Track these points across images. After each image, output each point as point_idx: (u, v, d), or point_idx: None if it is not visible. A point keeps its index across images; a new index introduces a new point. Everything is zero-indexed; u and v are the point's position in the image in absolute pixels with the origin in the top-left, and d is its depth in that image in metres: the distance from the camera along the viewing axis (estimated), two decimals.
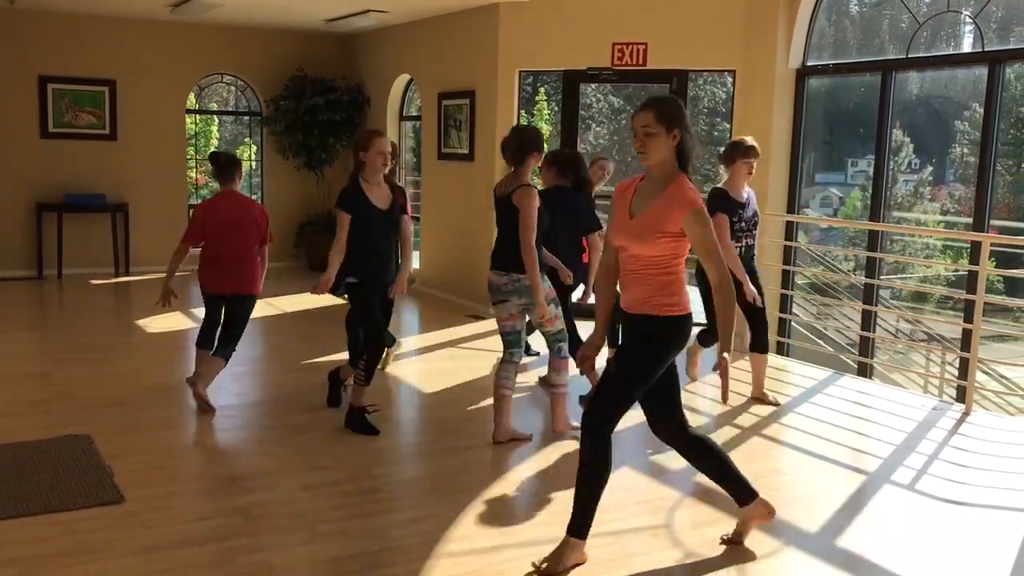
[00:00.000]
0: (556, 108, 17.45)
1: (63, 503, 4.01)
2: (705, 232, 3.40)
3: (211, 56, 11.25)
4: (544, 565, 3.51)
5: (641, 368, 3.48)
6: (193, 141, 12.99)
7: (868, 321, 7.61)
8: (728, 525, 3.94)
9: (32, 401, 5.61)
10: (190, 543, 3.68)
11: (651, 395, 3.62)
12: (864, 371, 7.49)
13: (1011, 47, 8.01)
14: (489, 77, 8.96)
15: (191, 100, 11.70)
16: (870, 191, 7.59)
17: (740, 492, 3.79)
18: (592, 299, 5.24)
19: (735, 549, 3.76)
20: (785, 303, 7.93)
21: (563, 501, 4.28)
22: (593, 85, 11.02)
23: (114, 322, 8.54)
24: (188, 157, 11.79)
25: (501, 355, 5.06)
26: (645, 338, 3.49)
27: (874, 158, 7.49)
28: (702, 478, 4.57)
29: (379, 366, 6.02)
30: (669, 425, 3.72)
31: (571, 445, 5.11)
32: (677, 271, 3.48)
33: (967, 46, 9.37)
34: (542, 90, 20.82)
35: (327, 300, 8.71)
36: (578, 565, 3.55)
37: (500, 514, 4.08)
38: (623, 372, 3.48)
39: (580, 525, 3.52)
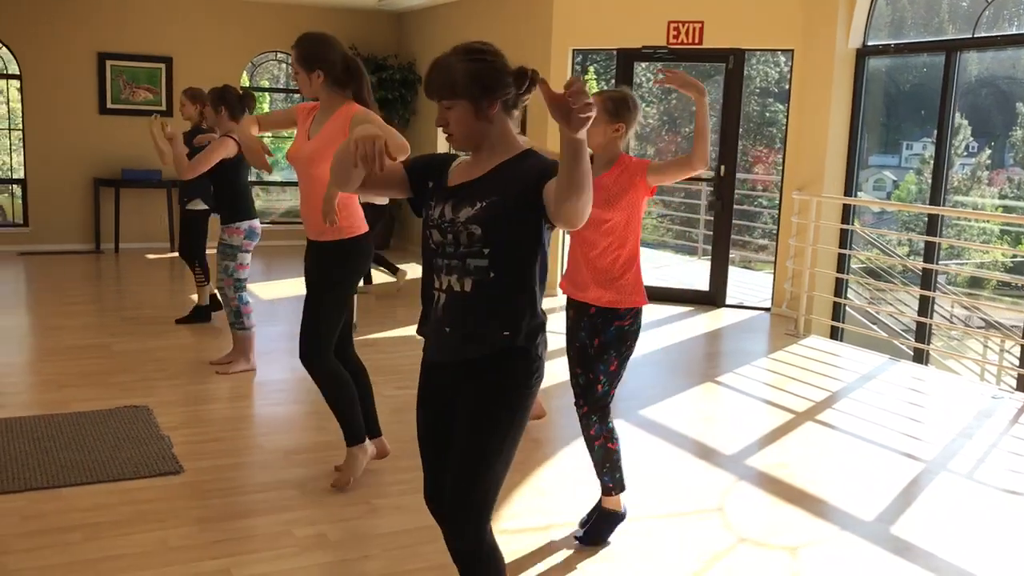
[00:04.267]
0: (605, 87, 17.30)
1: (124, 472, 4.11)
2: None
3: (265, 33, 11.32)
4: None
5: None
6: None
7: (925, 306, 7.47)
8: (784, 509, 3.92)
9: (91, 372, 5.73)
10: (246, 515, 3.74)
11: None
12: (920, 357, 7.36)
13: None
14: (542, 55, 8.90)
15: (244, 78, 11.80)
16: (925, 174, 7.44)
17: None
18: None
19: (787, 534, 3.73)
20: (840, 287, 7.82)
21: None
22: (644, 64, 10.90)
23: (169, 296, 8.68)
24: None
25: None
26: None
27: (933, 141, 7.32)
28: (756, 462, 4.55)
29: None
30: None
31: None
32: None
33: None
34: (591, 68, 20.63)
35: (385, 278, 8.79)
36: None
37: (549, 492, 4.09)
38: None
39: None
